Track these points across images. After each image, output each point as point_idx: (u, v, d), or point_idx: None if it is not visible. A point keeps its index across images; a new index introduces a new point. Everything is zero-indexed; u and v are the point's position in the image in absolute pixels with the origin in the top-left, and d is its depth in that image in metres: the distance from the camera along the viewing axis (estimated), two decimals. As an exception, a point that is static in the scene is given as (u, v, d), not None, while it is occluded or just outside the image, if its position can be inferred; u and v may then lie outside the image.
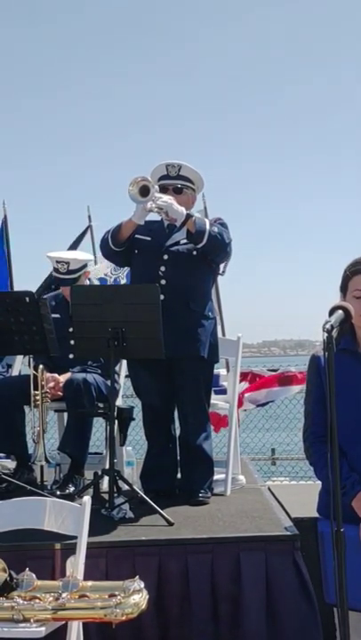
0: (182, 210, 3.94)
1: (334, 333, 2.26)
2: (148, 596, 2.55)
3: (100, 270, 6.55)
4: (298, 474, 8.46)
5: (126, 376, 4.64)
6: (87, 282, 4.72)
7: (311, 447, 2.78)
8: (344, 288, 2.77)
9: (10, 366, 5.24)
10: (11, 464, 4.62)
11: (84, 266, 4.57)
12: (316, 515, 2.93)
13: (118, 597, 2.48)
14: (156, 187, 3.91)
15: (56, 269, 4.51)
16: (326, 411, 2.24)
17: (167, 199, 3.91)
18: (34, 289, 7.16)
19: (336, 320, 2.33)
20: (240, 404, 7.02)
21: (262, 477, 5.55)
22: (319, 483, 2.94)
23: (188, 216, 3.94)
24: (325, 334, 2.23)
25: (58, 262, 4.49)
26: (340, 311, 2.38)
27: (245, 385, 7.28)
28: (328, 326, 2.26)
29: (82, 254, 4.88)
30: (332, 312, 2.38)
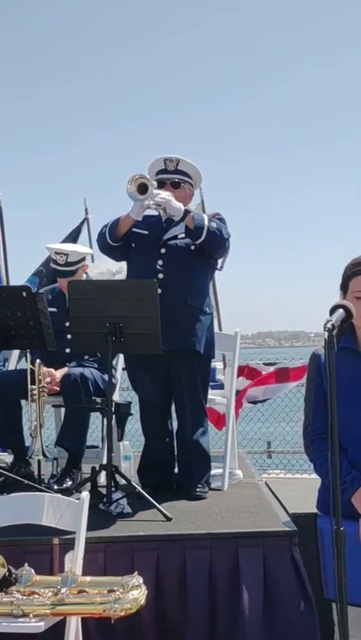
0: (180, 206, 3.92)
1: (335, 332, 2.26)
2: (146, 592, 2.56)
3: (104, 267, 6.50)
4: (293, 467, 8.47)
5: (123, 369, 4.63)
6: (85, 276, 4.71)
7: (311, 444, 2.78)
8: (344, 287, 2.76)
9: (6, 360, 5.23)
10: (8, 458, 4.62)
11: (83, 259, 4.56)
12: (314, 510, 2.94)
13: (117, 593, 2.50)
14: (155, 183, 3.89)
15: (54, 261, 4.49)
16: (327, 409, 2.24)
17: (165, 195, 3.89)
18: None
19: (337, 319, 2.33)
20: (239, 404, 7.02)
21: (258, 470, 5.56)
22: (315, 476, 2.94)
23: (187, 212, 3.93)
24: (327, 333, 2.22)
25: (57, 254, 4.47)
26: (342, 310, 2.37)
27: (243, 381, 7.26)
28: (329, 325, 2.25)
29: (81, 247, 4.87)
30: (332, 311, 2.38)
